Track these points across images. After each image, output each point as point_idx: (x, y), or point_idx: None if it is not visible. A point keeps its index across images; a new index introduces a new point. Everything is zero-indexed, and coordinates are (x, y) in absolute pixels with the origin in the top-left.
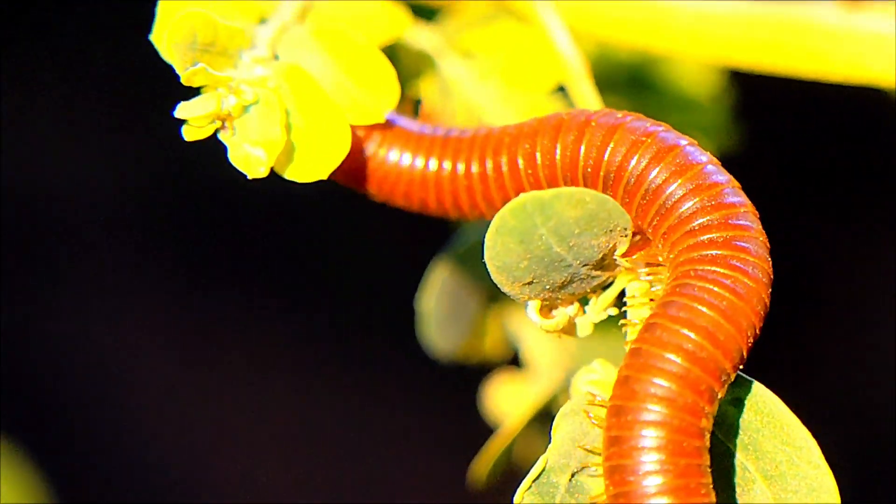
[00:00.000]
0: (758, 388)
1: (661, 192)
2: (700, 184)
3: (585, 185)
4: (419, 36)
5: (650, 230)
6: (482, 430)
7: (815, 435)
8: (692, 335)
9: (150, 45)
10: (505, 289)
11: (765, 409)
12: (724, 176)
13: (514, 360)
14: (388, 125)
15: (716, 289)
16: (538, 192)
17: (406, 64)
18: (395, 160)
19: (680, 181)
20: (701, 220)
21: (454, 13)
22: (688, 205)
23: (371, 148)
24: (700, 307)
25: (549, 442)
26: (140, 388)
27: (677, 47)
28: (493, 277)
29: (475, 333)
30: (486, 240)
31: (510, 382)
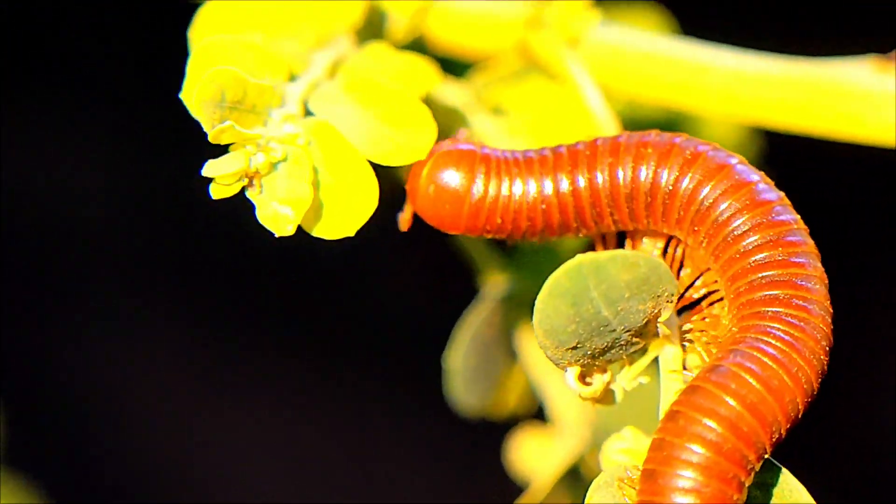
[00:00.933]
0: (785, 475)
1: (717, 212)
2: (765, 221)
3: (640, 204)
4: (448, 92)
5: (704, 248)
6: (508, 485)
7: None
8: (717, 427)
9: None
10: (549, 352)
11: (790, 497)
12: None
13: (538, 414)
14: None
15: (750, 376)
16: (594, 254)
17: (438, 117)
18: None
19: (748, 216)
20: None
21: (484, 69)
22: (750, 239)
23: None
24: (728, 399)
25: None
26: (143, 411)
27: (707, 106)
28: (539, 340)
29: (501, 388)
30: (537, 302)
31: (536, 437)
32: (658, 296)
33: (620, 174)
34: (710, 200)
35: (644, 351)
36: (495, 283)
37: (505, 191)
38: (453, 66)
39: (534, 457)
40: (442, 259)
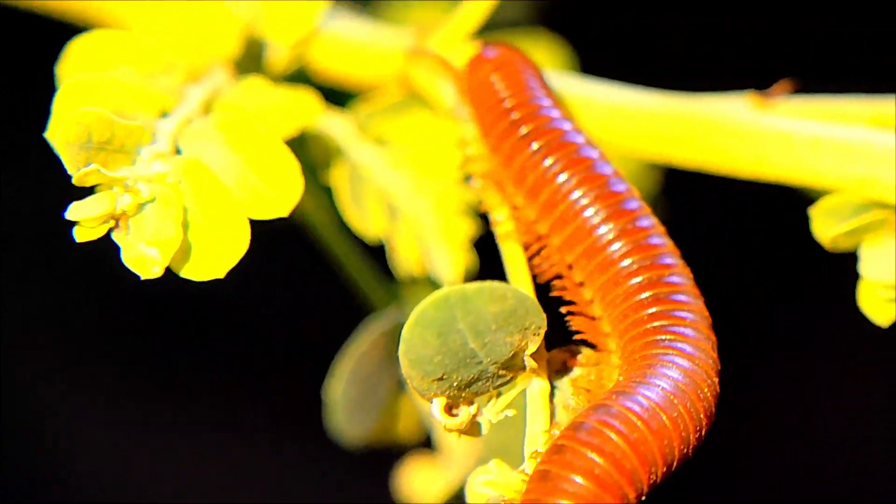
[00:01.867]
0: None
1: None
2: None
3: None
4: (331, 123)
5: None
6: None
7: None
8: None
9: None
10: (414, 383)
11: None
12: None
13: (427, 442)
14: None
15: (635, 417)
16: (462, 285)
17: (318, 150)
18: None
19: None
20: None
21: (367, 100)
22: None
23: None
24: (612, 435)
25: None
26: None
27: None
28: (403, 370)
29: (387, 417)
30: (403, 332)
31: (424, 466)
32: (526, 328)
33: None
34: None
35: (511, 383)
36: (381, 312)
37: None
38: (337, 96)
39: (421, 486)
40: (331, 286)
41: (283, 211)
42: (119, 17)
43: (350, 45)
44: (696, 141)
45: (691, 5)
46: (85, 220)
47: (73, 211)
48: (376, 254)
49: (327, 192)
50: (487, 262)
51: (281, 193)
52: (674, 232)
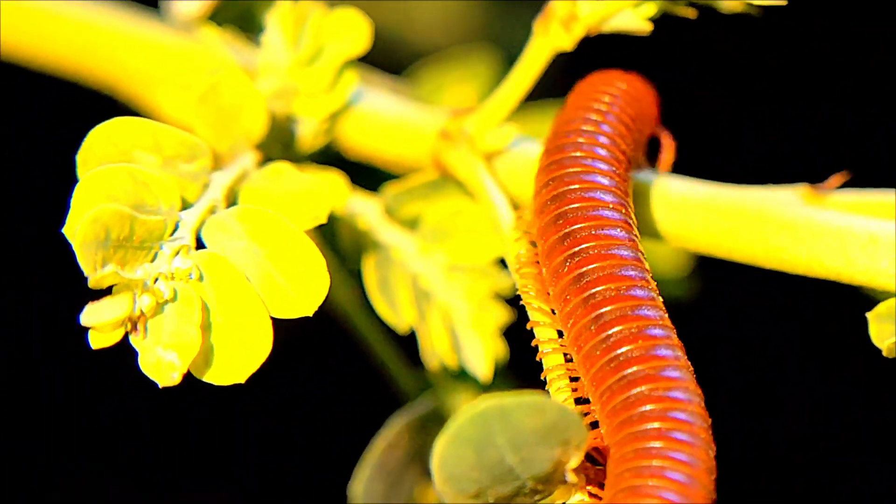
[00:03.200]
0: None
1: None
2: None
3: None
4: (360, 205)
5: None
6: None
7: None
8: None
9: None
10: (447, 499)
11: None
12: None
13: None
14: None
15: None
16: (499, 398)
17: (346, 233)
18: None
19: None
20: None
21: (397, 181)
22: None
23: None
24: None
25: None
26: None
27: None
28: (437, 487)
29: None
30: (436, 447)
31: None
32: (567, 442)
33: None
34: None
35: (550, 497)
36: (410, 403)
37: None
38: (368, 172)
39: None
40: (360, 373)
41: (307, 310)
42: (145, 86)
43: (381, 123)
44: (744, 234)
45: (740, 93)
46: (100, 325)
47: (88, 316)
48: (407, 341)
49: (356, 276)
50: (517, 351)
51: (306, 292)
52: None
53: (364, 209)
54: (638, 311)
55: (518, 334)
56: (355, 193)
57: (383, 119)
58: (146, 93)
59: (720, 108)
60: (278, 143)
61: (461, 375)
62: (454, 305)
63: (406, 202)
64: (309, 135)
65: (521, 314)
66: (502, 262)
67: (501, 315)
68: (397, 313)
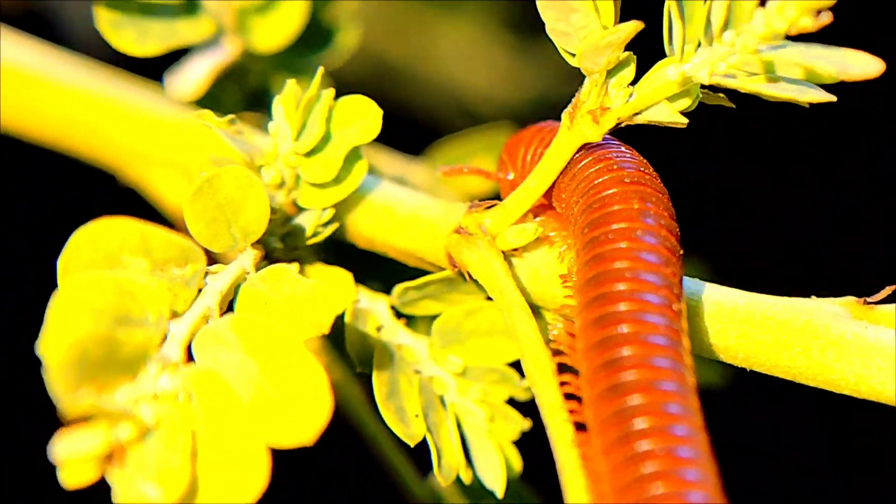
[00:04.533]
0: None
1: None
2: None
3: None
4: (369, 305)
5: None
6: None
7: None
8: None
9: None
10: None
11: None
12: None
13: None
14: None
15: None
16: None
17: (353, 334)
18: None
19: None
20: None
21: (408, 280)
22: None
23: None
24: None
25: None
26: None
27: None
28: None
29: None
30: None
31: None
32: None
33: None
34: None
35: None
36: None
37: None
38: (376, 272)
39: None
40: (370, 480)
41: (306, 437)
42: (140, 164)
43: (392, 215)
44: (787, 349)
45: (785, 205)
46: (74, 460)
47: (60, 450)
48: (418, 448)
49: (363, 377)
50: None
51: (305, 417)
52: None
53: (372, 308)
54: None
55: (532, 440)
56: (363, 291)
57: (395, 211)
58: (142, 172)
59: (756, 208)
60: (279, 236)
61: (474, 486)
62: (468, 412)
63: (417, 301)
64: (313, 227)
65: (536, 420)
66: (516, 365)
67: (517, 423)
68: (408, 425)
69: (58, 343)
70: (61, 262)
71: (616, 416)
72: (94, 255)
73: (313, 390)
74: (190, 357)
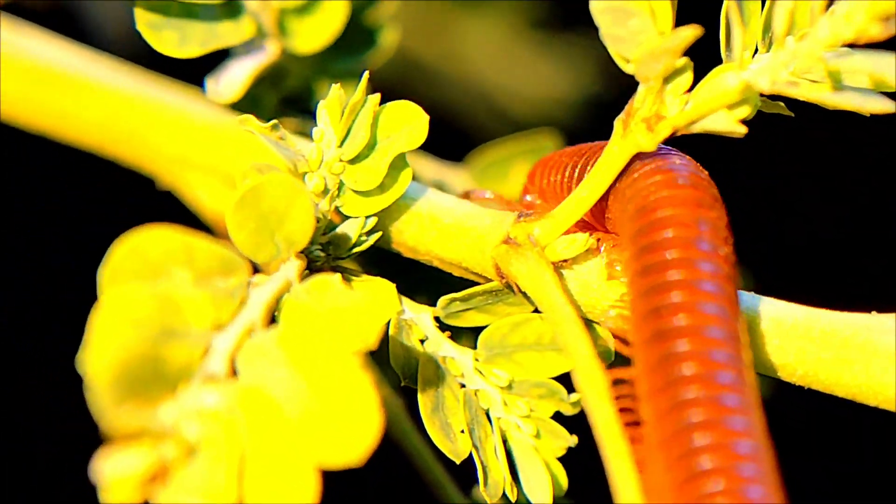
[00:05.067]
0: None
1: None
2: None
3: None
4: (413, 318)
5: None
6: None
7: None
8: None
9: None
10: None
11: None
12: None
13: None
14: None
15: None
16: None
17: (397, 347)
18: None
19: None
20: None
21: (454, 291)
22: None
23: None
24: None
25: None
26: None
27: None
28: None
29: None
30: None
31: None
32: None
33: None
34: None
35: None
36: None
37: None
38: (420, 273)
39: None
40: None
41: (355, 457)
42: (178, 168)
43: (438, 224)
44: (848, 367)
45: (838, 216)
46: (118, 482)
47: (104, 471)
48: (463, 466)
49: (406, 392)
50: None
51: (355, 435)
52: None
53: (416, 320)
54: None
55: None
56: (406, 302)
57: (441, 220)
58: (180, 176)
59: (808, 219)
60: (321, 245)
61: (519, 502)
62: (514, 428)
63: (463, 313)
64: (357, 235)
65: (583, 436)
66: (564, 379)
67: (564, 439)
68: (453, 442)
69: (101, 359)
70: (103, 273)
71: (676, 434)
72: (137, 266)
73: (362, 408)
74: (234, 372)
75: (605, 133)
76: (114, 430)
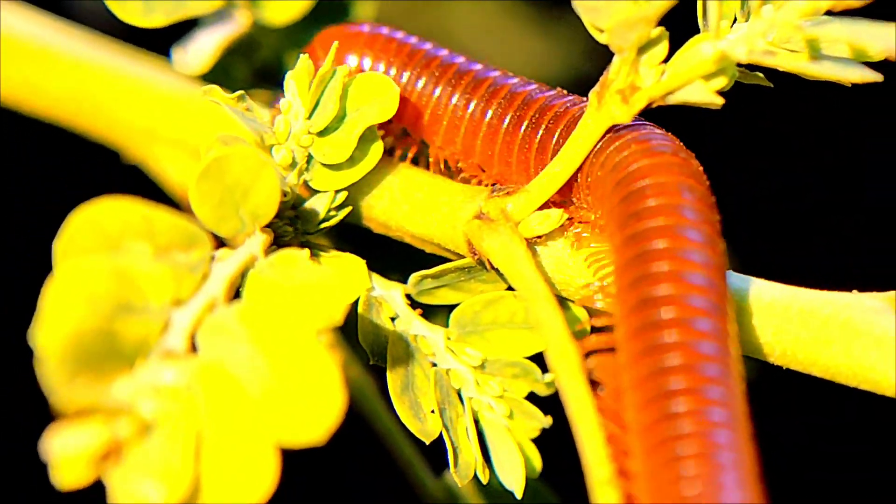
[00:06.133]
0: None
1: None
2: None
3: None
4: (383, 294)
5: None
6: None
7: None
8: None
9: None
10: None
11: None
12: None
13: None
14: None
15: None
16: None
17: (366, 324)
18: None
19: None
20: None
21: (425, 267)
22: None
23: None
24: None
25: None
26: None
27: None
28: None
29: None
30: None
31: None
32: None
33: None
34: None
35: None
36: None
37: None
38: (394, 261)
39: None
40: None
41: (317, 436)
42: (144, 140)
43: (409, 199)
44: (827, 346)
45: (821, 196)
46: (68, 459)
47: (53, 448)
48: (433, 443)
49: (377, 372)
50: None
51: (317, 414)
52: None
53: (387, 297)
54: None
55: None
56: (376, 279)
57: (412, 194)
58: (146, 149)
59: (790, 199)
60: (289, 220)
61: (492, 485)
62: (487, 408)
63: (434, 290)
64: (326, 210)
65: (557, 418)
66: (538, 358)
67: (539, 420)
68: (423, 422)
69: (52, 332)
70: (58, 245)
71: (655, 405)
72: (93, 239)
73: (325, 386)
74: (193, 348)
75: None
76: (64, 405)
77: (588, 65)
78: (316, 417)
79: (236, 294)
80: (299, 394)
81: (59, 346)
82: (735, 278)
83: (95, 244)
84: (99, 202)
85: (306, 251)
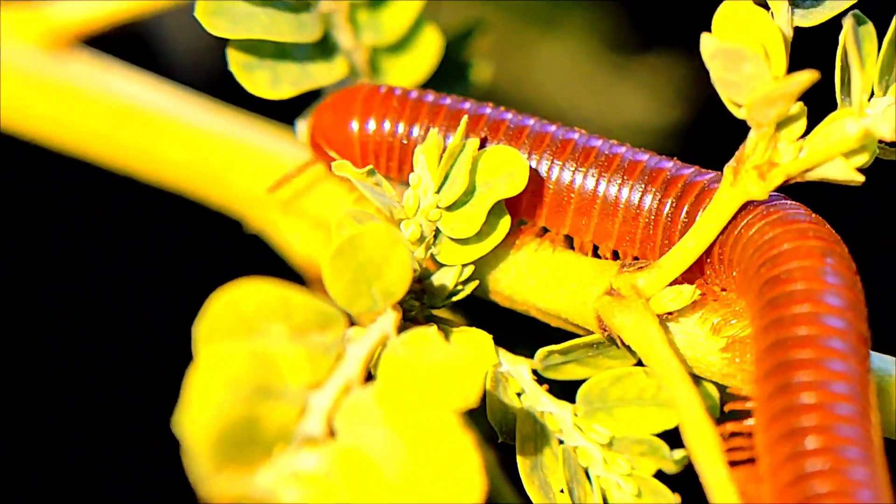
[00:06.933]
0: None
1: None
2: None
3: None
4: (510, 370)
5: None
6: None
7: None
8: None
9: None
10: None
11: None
12: None
13: None
14: None
15: None
16: None
17: (493, 400)
18: None
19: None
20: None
21: (553, 343)
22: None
23: None
24: None
25: None
26: None
27: None
28: None
29: None
30: None
31: None
32: None
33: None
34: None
35: None
36: None
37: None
38: (516, 323)
39: None
40: None
41: None
42: (266, 211)
43: (537, 273)
44: None
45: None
46: None
47: None
48: None
49: (506, 451)
50: None
51: (456, 498)
52: None
53: (513, 373)
54: None
55: None
56: (503, 354)
57: (539, 269)
58: (269, 219)
59: None
60: (415, 293)
61: None
62: (615, 487)
63: (562, 365)
64: (453, 284)
65: (685, 495)
66: (666, 436)
67: (667, 498)
68: (553, 501)
69: (201, 421)
70: (199, 330)
71: (797, 487)
72: (233, 323)
73: (464, 470)
74: (330, 432)
75: (683, 160)
76: (215, 497)
77: (677, 113)
78: (456, 502)
79: (369, 374)
80: (439, 478)
81: (208, 436)
82: (888, 362)
83: (235, 328)
84: (236, 285)
85: (435, 328)
